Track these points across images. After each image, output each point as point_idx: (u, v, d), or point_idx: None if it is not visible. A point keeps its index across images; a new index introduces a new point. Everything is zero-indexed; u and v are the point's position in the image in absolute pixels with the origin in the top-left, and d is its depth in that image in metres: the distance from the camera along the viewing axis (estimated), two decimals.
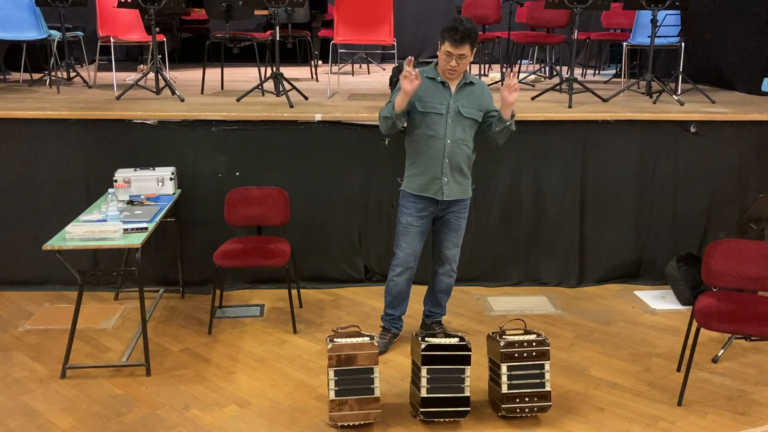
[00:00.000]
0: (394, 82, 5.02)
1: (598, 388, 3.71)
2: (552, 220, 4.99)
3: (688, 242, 5.07)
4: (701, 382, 3.77)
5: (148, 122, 4.74)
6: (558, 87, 5.70)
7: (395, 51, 5.95)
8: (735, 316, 3.44)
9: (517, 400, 3.31)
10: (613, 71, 8.48)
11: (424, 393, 3.26)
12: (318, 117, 4.79)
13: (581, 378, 3.81)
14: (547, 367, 3.34)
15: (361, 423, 3.28)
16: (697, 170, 4.99)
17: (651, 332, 4.39)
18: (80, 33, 6.93)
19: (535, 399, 3.32)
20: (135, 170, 4.51)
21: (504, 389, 3.30)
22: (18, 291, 4.85)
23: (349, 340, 3.27)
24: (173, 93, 5.51)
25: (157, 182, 4.47)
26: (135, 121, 4.73)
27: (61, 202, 4.74)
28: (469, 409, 3.30)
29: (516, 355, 3.31)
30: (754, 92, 6.18)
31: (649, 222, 5.06)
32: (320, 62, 8.23)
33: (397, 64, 5.33)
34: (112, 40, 6.06)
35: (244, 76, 7.32)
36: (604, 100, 5.43)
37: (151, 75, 5.65)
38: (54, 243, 3.57)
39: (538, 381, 3.33)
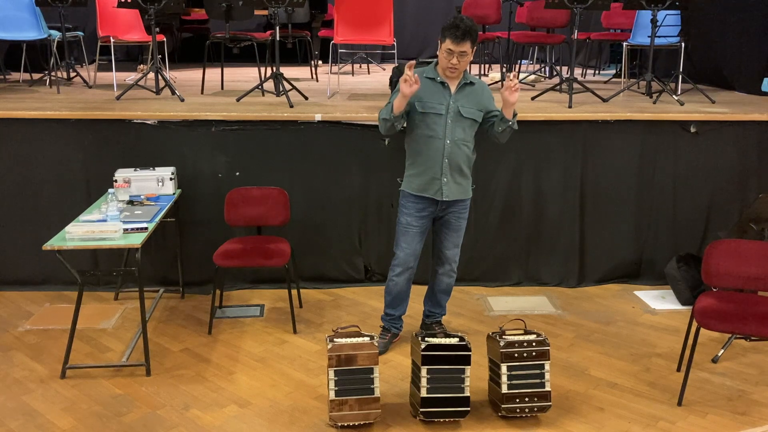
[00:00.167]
0: (394, 82, 5.02)
1: (598, 388, 3.71)
2: (552, 220, 4.99)
3: (688, 242, 5.07)
4: (701, 382, 3.77)
5: (148, 122, 4.74)
6: (558, 87, 5.70)
7: (395, 51, 5.94)
8: (735, 316, 3.43)
9: (517, 400, 3.31)
10: (613, 71, 8.47)
11: (424, 393, 3.26)
12: (318, 117, 4.79)
13: (581, 378, 3.81)
14: (547, 367, 3.34)
15: (361, 423, 3.28)
16: (697, 170, 4.99)
17: (651, 332, 4.39)
18: (80, 33, 6.94)
19: (535, 399, 3.32)
20: (135, 170, 4.51)
21: (504, 389, 3.30)
22: (18, 291, 4.85)
23: (349, 340, 3.27)
24: (173, 93, 5.51)
25: (157, 182, 4.47)
26: (135, 121, 4.73)
27: (61, 202, 4.74)
28: (469, 409, 3.30)
29: (516, 355, 3.31)
30: (754, 92, 6.17)
31: (649, 222, 5.06)
32: (320, 62, 8.23)
33: (397, 64, 5.33)
34: (112, 40, 6.06)
35: (244, 76, 7.32)
36: (604, 100, 5.43)
37: (151, 75, 5.65)
38: (54, 243, 3.57)
39: (538, 381, 3.33)
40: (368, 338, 3.30)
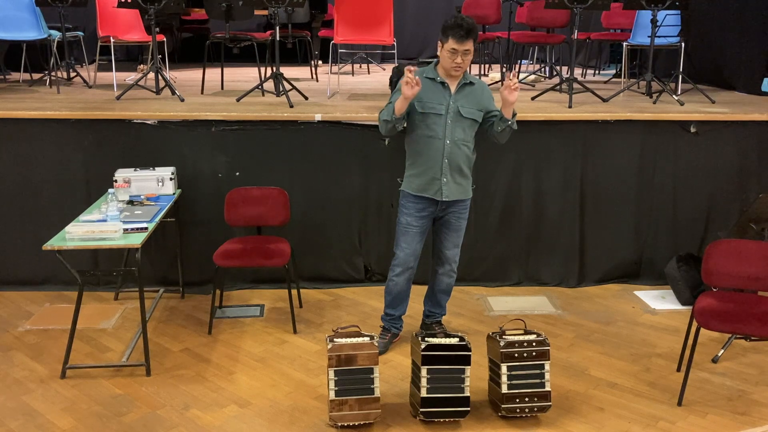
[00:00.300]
0: (393, 82, 5.02)
1: (598, 388, 3.71)
2: (552, 221, 4.99)
3: (688, 242, 5.07)
4: (701, 382, 3.77)
5: (148, 122, 4.74)
6: (558, 87, 5.70)
7: (395, 51, 5.94)
8: (735, 316, 3.44)
9: (517, 400, 3.31)
10: (613, 71, 8.47)
11: (424, 393, 3.26)
12: (318, 117, 4.79)
13: (581, 378, 3.81)
14: (547, 367, 3.34)
15: (361, 423, 3.28)
16: (697, 170, 4.99)
17: (651, 332, 4.39)
18: (80, 33, 6.93)
19: (535, 399, 3.32)
20: (135, 170, 4.51)
21: (504, 389, 3.30)
22: (18, 291, 4.85)
23: (349, 340, 3.27)
24: (173, 93, 5.51)
25: (157, 182, 4.47)
26: (135, 121, 4.73)
27: (61, 202, 4.74)
28: (469, 409, 3.30)
29: (516, 355, 3.31)
30: (754, 92, 6.17)
31: (649, 222, 5.06)
32: (320, 62, 8.23)
33: (397, 64, 5.32)
34: (112, 40, 6.06)
35: (244, 76, 7.32)
36: (604, 100, 5.43)
37: (151, 75, 5.65)
38: (54, 243, 3.57)
39: (538, 381, 3.33)
40: (368, 338, 3.30)
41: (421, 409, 3.27)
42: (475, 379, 3.52)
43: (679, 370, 3.88)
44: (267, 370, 3.87)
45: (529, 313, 4.65)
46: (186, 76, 7.23)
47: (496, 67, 8.17)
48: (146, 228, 3.75)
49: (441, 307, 4.19)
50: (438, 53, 3.71)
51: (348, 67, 8.58)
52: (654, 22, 5.41)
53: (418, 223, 3.86)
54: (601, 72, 8.65)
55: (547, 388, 3.34)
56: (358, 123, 4.80)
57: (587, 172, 4.94)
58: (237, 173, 4.80)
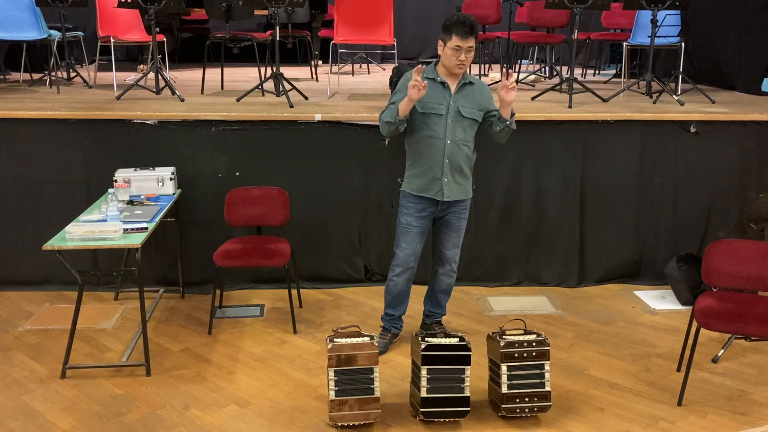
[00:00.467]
0: (394, 82, 5.01)
1: (598, 388, 3.71)
2: (552, 220, 4.99)
3: (688, 242, 5.07)
4: (701, 382, 3.77)
5: (148, 122, 4.74)
6: (558, 87, 5.70)
7: (395, 51, 5.94)
8: (735, 316, 3.44)
9: (517, 400, 3.31)
10: (613, 71, 8.47)
11: (424, 393, 3.26)
12: (318, 117, 4.79)
13: (581, 378, 3.81)
14: (547, 367, 3.34)
15: (361, 423, 3.28)
16: (697, 170, 4.99)
17: (651, 332, 4.39)
18: (80, 33, 6.93)
19: (535, 399, 3.32)
20: (135, 170, 4.51)
21: (504, 389, 3.30)
22: (18, 291, 4.85)
23: (349, 340, 3.27)
24: (173, 93, 5.51)
25: (157, 182, 4.47)
26: (135, 121, 4.74)
27: (61, 202, 4.74)
28: (469, 409, 3.30)
29: (516, 355, 3.31)
30: (754, 92, 6.17)
31: (649, 222, 5.06)
32: (320, 62, 8.23)
33: (397, 64, 5.32)
34: (112, 40, 6.06)
35: (244, 76, 7.32)
36: (604, 100, 5.43)
37: (151, 75, 5.65)
38: (54, 243, 3.57)
39: (538, 381, 3.33)
40: (368, 338, 3.30)
41: (421, 409, 3.27)
42: (475, 379, 3.52)
43: (679, 370, 3.88)
44: (267, 370, 3.87)
45: (529, 313, 4.65)
46: (186, 76, 7.23)
47: (496, 67, 8.18)
48: (146, 228, 3.75)
49: (441, 307, 4.18)
50: (439, 52, 3.71)
51: (348, 67, 8.58)
52: (654, 22, 5.41)
53: (419, 224, 3.86)
54: (601, 72, 8.66)
55: (547, 388, 3.34)
56: (358, 123, 4.80)
57: (587, 172, 4.94)
58: (237, 173, 4.80)
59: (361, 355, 3.25)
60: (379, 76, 7.95)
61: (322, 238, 4.94)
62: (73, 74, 6.74)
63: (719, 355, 4.02)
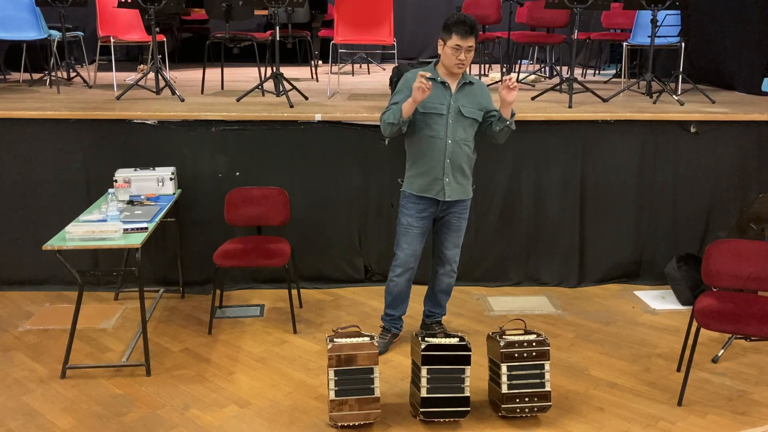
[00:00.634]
0: (394, 82, 5.01)
1: (598, 388, 3.71)
2: (552, 220, 4.99)
3: (688, 242, 5.07)
4: (701, 382, 3.77)
5: (148, 122, 4.74)
6: (558, 87, 5.70)
7: (395, 51, 5.94)
8: (735, 316, 3.43)
9: (517, 400, 3.31)
10: (613, 71, 8.48)
11: (424, 393, 3.26)
12: (318, 117, 4.79)
13: (581, 378, 3.81)
14: (547, 367, 3.34)
15: (361, 423, 3.28)
16: (697, 170, 4.99)
17: (651, 332, 4.39)
18: (80, 33, 6.94)
19: (535, 399, 3.32)
20: (135, 170, 4.51)
21: (504, 389, 3.30)
22: (18, 291, 4.85)
23: (349, 340, 3.27)
24: (173, 93, 5.51)
25: (157, 182, 4.47)
26: (135, 121, 4.74)
27: (61, 202, 4.74)
28: (469, 409, 3.30)
29: (516, 355, 3.31)
30: (754, 92, 6.17)
31: (649, 222, 5.06)
32: (320, 62, 8.23)
33: (397, 65, 5.32)
34: (112, 40, 6.06)
35: (244, 76, 7.32)
36: (604, 100, 5.43)
37: (151, 75, 5.65)
38: (54, 243, 3.57)
39: (538, 381, 3.33)
40: (368, 338, 3.30)
41: (421, 409, 3.27)
42: (475, 379, 3.52)
43: (679, 370, 3.88)
44: (267, 370, 3.87)
45: (529, 313, 4.65)
46: (186, 76, 7.23)
47: (496, 67, 8.18)
48: (146, 228, 3.75)
49: (441, 307, 4.18)
50: (439, 51, 3.71)
51: (348, 67, 8.58)
52: (654, 22, 5.41)
53: (419, 224, 3.86)
54: (601, 72, 8.66)
55: (547, 388, 3.34)
56: (358, 123, 4.80)
57: (587, 172, 4.94)
58: (237, 173, 4.80)
59: (361, 355, 3.25)
60: (379, 76, 7.95)
61: (322, 238, 4.94)
62: (73, 74, 6.74)
63: (719, 355, 4.02)
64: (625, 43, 6.54)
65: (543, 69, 8.08)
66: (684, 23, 6.31)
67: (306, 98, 5.48)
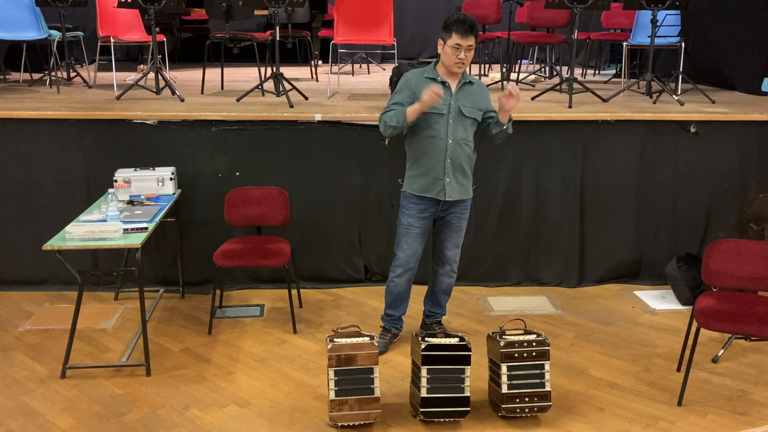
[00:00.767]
0: (394, 82, 5.02)
1: (598, 388, 3.71)
2: (552, 220, 4.99)
3: (688, 242, 5.07)
4: (701, 382, 3.77)
5: (148, 122, 4.74)
6: (558, 87, 5.70)
7: (395, 51, 5.94)
8: (735, 316, 3.44)
9: (517, 400, 3.31)
10: (613, 71, 8.47)
11: (424, 393, 3.26)
12: (318, 117, 4.79)
13: (581, 378, 3.81)
14: (547, 367, 3.34)
15: (361, 423, 3.28)
16: (697, 170, 4.99)
17: (651, 332, 4.39)
18: (80, 33, 6.93)
19: (535, 399, 3.32)
20: (135, 170, 4.51)
21: (504, 389, 3.30)
22: (18, 291, 4.85)
23: (349, 340, 3.27)
24: (173, 93, 5.51)
25: (157, 182, 4.47)
26: (135, 121, 4.74)
27: (61, 202, 4.74)
28: (469, 409, 3.30)
29: (516, 355, 3.31)
30: (754, 92, 6.17)
31: (649, 222, 5.06)
32: (320, 62, 8.23)
33: (397, 64, 5.32)
34: (112, 40, 6.06)
35: (244, 76, 7.32)
36: (604, 100, 5.43)
37: (151, 75, 5.65)
38: (54, 243, 3.57)
39: (538, 381, 3.33)
40: (368, 338, 3.30)
41: (421, 409, 3.27)
42: (475, 379, 3.52)
43: (679, 370, 3.88)
44: (267, 370, 3.87)
45: (529, 313, 4.65)
46: (186, 76, 7.23)
47: (496, 67, 8.17)
48: (146, 228, 3.75)
49: (441, 307, 4.18)
50: (439, 51, 3.71)
51: (348, 67, 8.58)
52: (654, 22, 5.41)
53: (420, 224, 3.86)
54: (601, 72, 8.66)
55: (547, 388, 3.34)
56: (358, 123, 4.80)
57: (587, 172, 4.94)
58: (237, 173, 4.80)
59: (361, 355, 3.25)
60: (379, 76, 7.95)
61: (322, 238, 4.94)
62: (73, 74, 6.74)
63: (719, 355, 4.02)
64: (625, 43, 6.54)
65: (543, 69, 8.08)
66: (684, 23, 6.31)
67: (306, 98, 5.48)
